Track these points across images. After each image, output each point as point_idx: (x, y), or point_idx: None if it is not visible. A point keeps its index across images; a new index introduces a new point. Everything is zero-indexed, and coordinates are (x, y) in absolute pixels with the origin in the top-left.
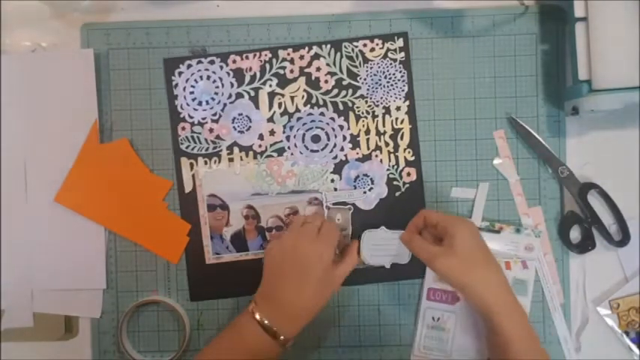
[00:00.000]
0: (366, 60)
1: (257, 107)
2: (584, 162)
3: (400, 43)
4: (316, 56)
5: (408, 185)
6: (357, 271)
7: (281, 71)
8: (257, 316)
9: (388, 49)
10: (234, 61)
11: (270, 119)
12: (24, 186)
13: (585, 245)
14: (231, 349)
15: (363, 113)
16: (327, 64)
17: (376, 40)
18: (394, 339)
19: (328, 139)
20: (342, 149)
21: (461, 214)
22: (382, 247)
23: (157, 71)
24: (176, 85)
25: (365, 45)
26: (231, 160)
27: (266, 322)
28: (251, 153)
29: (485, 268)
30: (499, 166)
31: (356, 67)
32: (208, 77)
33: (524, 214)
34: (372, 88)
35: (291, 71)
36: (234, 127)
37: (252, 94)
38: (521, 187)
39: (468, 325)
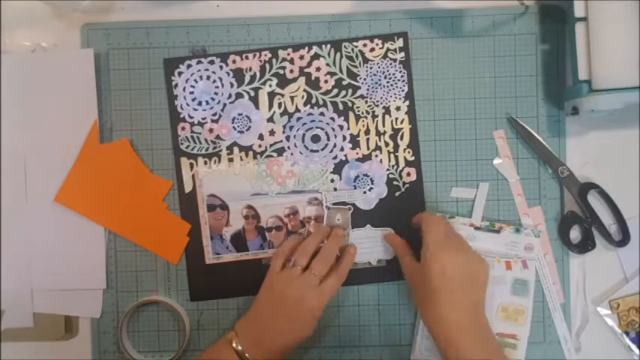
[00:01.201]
0: (365, 60)
1: (257, 107)
2: (584, 162)
3: (400, 43)
4: (316, 56)
5: (407, 185)
6: (358, 271)
7: (281, 71)
8: (236, 346)
9: (388, 49)
10: (234, 61)
11: (270, 119)
12: (24, 186)
13: (585, 245)
14: None
15: (362, 113)
16: (327, 64)
17: (376, 40)
18: (394, 339)
19: (328, 139)
20: (341, 149)
21: (461, 214)
22: (367, 244)
23: (157, 71)
24: (176, 85)
25: (365, 45)
26: (231, 160)
27: (247, 355)
28: (251, 153)
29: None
30: (499, 166)
31: (356, 67)
32: (208, 77)
33: (525, 214)
34: (372, 88)
35: (291, 71)
36: (234, 127)
37: (252, 94)
38: (521, 187)
39: None
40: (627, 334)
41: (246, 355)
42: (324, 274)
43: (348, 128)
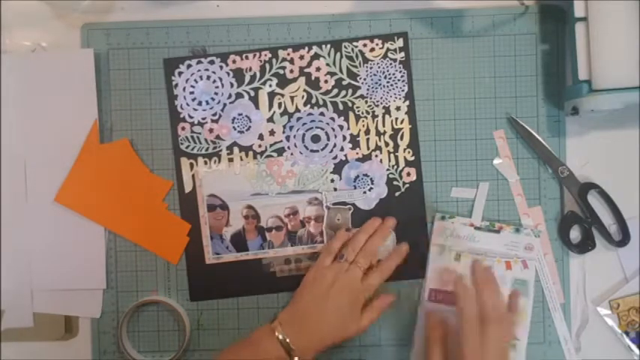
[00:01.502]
0: (365, 60)
1: (257, 107)
2: (584, 162)
3: (400, 43)
4: (316, 56)
5: (407, 185)
6: None
7: (281, 71)
8: (279, 335)
9: (388, 49)
10: (234, 61)
11: (270, 119)
12: (24, 186)
13: (585, 245)
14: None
15: (362, 113)
16: (327, 64)
17: (376, 40)
18: (394, 339)
19: (328, 139)
20: (341, 149)
21: (461, 214)
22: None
23: (157, 71)
24: (176, 85)
25: (365, 45)
26: (231, 160)
27: (287, 340)
28: (251, 153)
29: None
30: (499, 166)
31: (356, 67)
32: (208, 77)
33: (525, 214)
34: (372, 88)
35: (291, 71)
36: (234, 127)
37: (252, 94)
38: (522, 187)
39: None
40: (627, 334)
41: (290, 344)
42: (366, 267)
43: (348, 128)
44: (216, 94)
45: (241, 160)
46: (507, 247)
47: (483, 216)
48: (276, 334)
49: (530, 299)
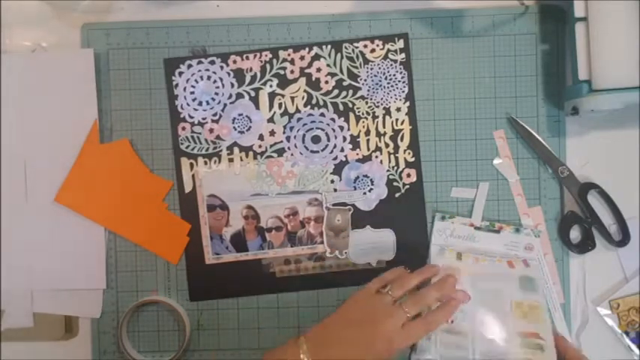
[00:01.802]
0: (366, 61)
1: (257, 107)
2: (584, 162)
3: (400, 44)
4: (316, 57)
5: (408, 186)
6: (358, 272)
7: (281, 72)
8: (303, 357)
9: (389, 50)
10: (234, 62)
11: (271, 120)
12: (24, 186)
13: (585, 245)
14: None
15: (363, 114)
16: (328, 65)
17: (376, 41)
18: None
19: (328, 140)
20: (342, 150)
21: (461, 214)
22: (368, 245)
23: (157, 71)
24: (176, 85)
25: (365, 46)
26: (231, 160)
27: None
28: (251, 153)
29: None
30: (499, 166)
31: (356, 67)
32: (209, 77)
33: (525, 214)
34: (373, 89)
35: (292, 72)
36: (234, 127)
37: (253, 94)
38: (522, 187)
39: (490, 326)
40: (627, 334)
41: None
42: (413, 315)
43: (349, 129)
44: (216, 94)
45: (241, 160)
46: (507, 247)
47: (483, 216)
48: (301, 356)
49: (541, 295)
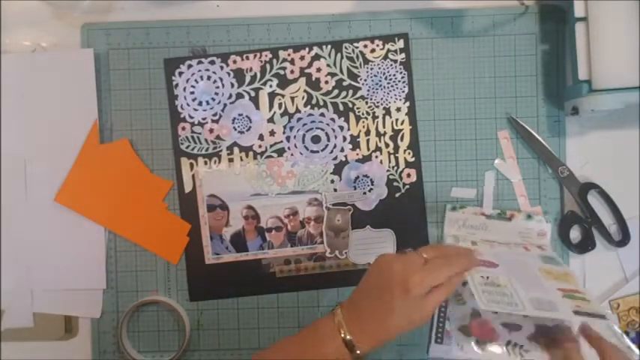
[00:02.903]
0: (366, 61)
1: (257, 108)
2: (584, 162)
3: (400, 44)
4: (317, 57)
5: (408, 186)
6: (358, 271)
7: (281, 72)
8: (342, 334)
9: (389, 50)
10: (234, 62)
11: (271, 120)
12: (24, 186)
13: (585, 245)
14: (308, 352)
15: (363, 114)
16: (328, 65)
17: (376, 41)
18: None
19: (328, 140)
20: (342, 150)
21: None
22: (368, 245)
23: (157, 71)
24: (176, 85)
25: (365, 46)
26: (231, 160)
27: (348, 337)
28: (251, 153)
29: None
30: (499, 166)
31: (356, 67)
32: (209, 77)
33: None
34: (373, 89)
35: (292, 72)
36: (234, 127)
37: (253, 94)
38: (524, 188)
39: (527, 284)
40: (627, 334)
41: (349, 338)
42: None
43: (349, 129)
44: (216, 94)
45: (241, 160)
46: (520, 234)
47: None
48: (341, 333)
49: (568, 268)
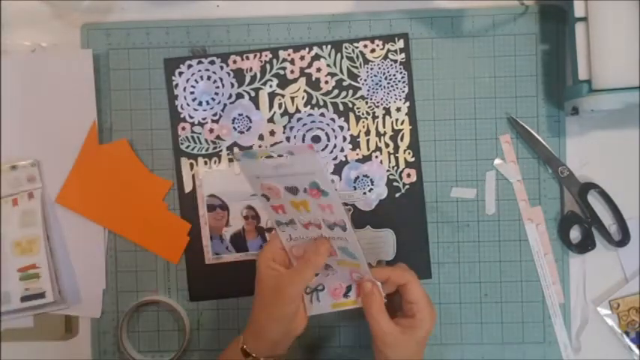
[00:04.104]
0: (366, 61)
1: (257, 107)
2: (584, 162)
3: (401, 44)
4: (317, 57)
5: (408, 186)
6: None
7: (281, 72)
8: (242, 345)
9: (389, 50)
10: (234, 62)
11: (271, 120)
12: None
13: (585, 245)
14: None
15: (363, 114)
16: (328, 65)
17: (377, 41)
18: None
19: (328, 140)
20: (342, 150)
21: (461, 213)
22: (368, 245)
23: (157, 71)
24: (176, 85)
25: (365, 46)
26: (231, 160)
27: (246, 347)
28: None
29: None
30: (499, 166)
31: (356, 67)
32: (209, 77)
33: (528, 219)
34: (373, 89)
35: (292, 72)
36: (234, 127)
37: (253, 94)
38: (524, 188)
39: None
40: (627, 334)
41: (251, 352)
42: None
43: (349, 129)
44: (216, 94)
45: None
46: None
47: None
48: (241, 343)
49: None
